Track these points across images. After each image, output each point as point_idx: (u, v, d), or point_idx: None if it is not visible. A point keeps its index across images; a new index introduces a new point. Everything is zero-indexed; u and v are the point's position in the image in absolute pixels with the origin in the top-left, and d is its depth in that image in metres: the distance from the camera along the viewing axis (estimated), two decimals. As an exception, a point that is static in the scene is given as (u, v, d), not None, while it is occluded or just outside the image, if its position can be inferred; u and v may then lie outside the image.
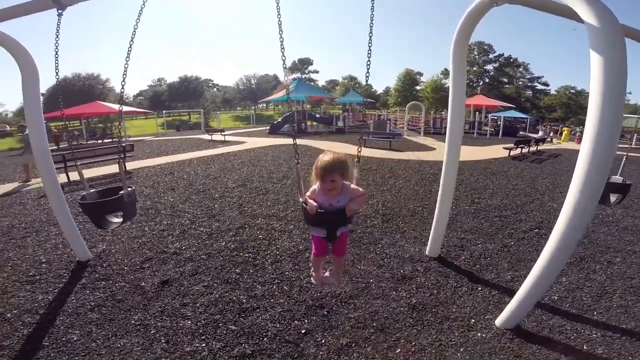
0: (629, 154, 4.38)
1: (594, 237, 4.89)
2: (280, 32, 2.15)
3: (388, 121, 24.41)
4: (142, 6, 2.41)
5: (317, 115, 27.22)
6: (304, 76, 65.43)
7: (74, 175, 7.98)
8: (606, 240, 4.80)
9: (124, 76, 2.49)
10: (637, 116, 5.60)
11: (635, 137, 23.81)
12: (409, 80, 57.80)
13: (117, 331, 2.70)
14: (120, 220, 2.82)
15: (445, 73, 48.93)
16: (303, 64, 71.22)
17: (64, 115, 3.06)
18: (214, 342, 2.58)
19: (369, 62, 2.20)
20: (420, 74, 60.70)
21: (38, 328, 2.73)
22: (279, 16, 2.12)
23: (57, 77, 2.67)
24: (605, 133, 2.09)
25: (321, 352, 2.52)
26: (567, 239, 2.37)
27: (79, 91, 36.43)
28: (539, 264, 2.56)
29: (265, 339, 2.64)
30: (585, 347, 2.65)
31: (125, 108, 23.82)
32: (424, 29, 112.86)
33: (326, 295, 3.24)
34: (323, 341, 2.64)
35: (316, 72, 74.25)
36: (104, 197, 2.83)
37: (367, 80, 2.30)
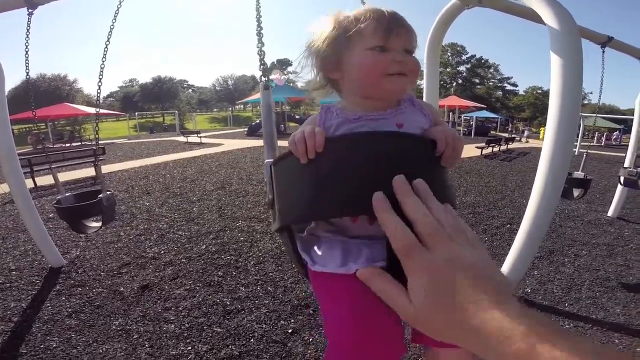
0: (589, 150, 4.70)
1: (561, 231, 5.20)
2: (259, 29, 1.61)
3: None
4: (119, 5, 2.35)
5: (297, 117, 27.22)
6: (282, 77, 65.28)
7: (40, 180, 7.61)
8: (572, 234, 5.11)
9: (100, 76, 2.42)
10: (596, 115, 5.99)
11: (596, 135, 25.47)
12: (384, 81, 58.85)
13: (98, 337, 2.61)
14: (98, 224, 2.74)
15: (420, 75, 50.18)
16: (282, 65, 70.99)
17: (35, 116, 2.92)
18: (199, 345, 2.55)
19: None
20: (395, 75, 61.98)
21: (13, 336, 2.60)
22: (258, 16, 1.88)
23: (28, 77, 2.56)
24: (564, 130, 2.26)
25: (309, 351, 2.54)
26: (534, 232, 2.53)
27: (44, 92, 34.61)
28: (510, 258, 2.72)
29: (252, 340, 2.64)
30: None
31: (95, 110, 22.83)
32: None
33: (311, 294, 3.27)
34: (310, 340, 2.66)
35: (295, 72, 74.11)
36: (80, 200, 2.73)
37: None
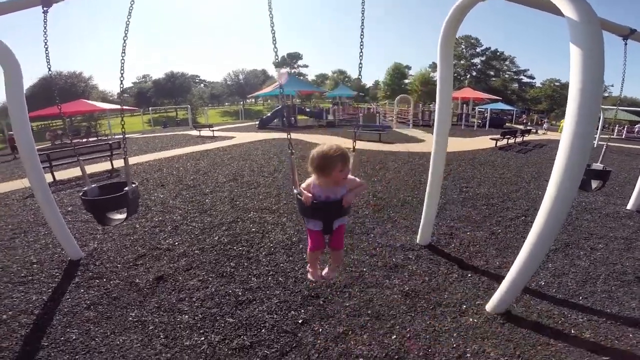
0: (609, 143, 4.54)
1: (577, 224, 5.06)
2: (272, 26, 2.19)
3: (377, 114, 24.49)
4: (132, 2, 2.37)
5: (307, 109, 27.14)
6: (293, 71, 65.00)
7: (59, 175, 7.84)
8: (589, 227, 4.98)
9: (122, 72, 2.46)
10: (617, 107, 5.82)
11: (616, 127, 24.56)
12: (398, 73, 57.97)
13: (115, 328, 2.70)
14: (123, 216, 2.78)
15: (434, 67, 49.15)
16: (292, 59, 70.65)
17: (61, 112, 2.99)
18: (212, 335, 2.61)
19: (361, 54, 2.17)
20: (409, 68, 60.88)
21: (35, 329, 2.71)
22: (270, 9, 2.14)
23: (50, 73, 2.65)
24: (584, 121, 2.19)
25: (319, 341, 2.58)
26: (550, 224, 2.47)
27: (61, 89, 35.43)
28: (525, 250, 2.66)
29: (263, 330, 2.69)
30: (572, 332, 2.75)
31: (111, 105, 23.31)
32: (413, 23, 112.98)
33: (321, 285, 3.29)
34: (320, 330, 2.70)
35: (306, 66, 73.74)
36: (105, 192, 2.78)
37: (360, 73, 2.22)
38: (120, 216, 2.85)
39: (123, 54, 2.45)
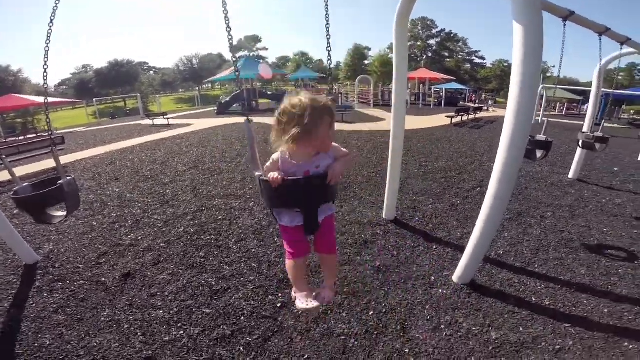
0: (550, 119, 4.95)
1: (527, 193, 5.53)
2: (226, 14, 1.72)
3: (340, 95, 24.54)
4: None
5: (269, 92, 26.52)
6: (252, 54, 62.54)
7: (-2, 175, 7.06)
8: (537, 196, 5.45)
9: (45, 59, 2.24)
10: (556, 87, 6.38)
11: (557, 105, 26.79)
12: (358, 55, 58.13)
13: (89, 330, 2.57)
14: (64, 213, 2.58)
15: (392, 48, 49.91)
16: (251, 42, 67.86)
17: None
18: (191, 328, 2.57)
19: (328, 36, 1.82)
20: (369, 49, 61.21)
21: (4, 338, 2.52)
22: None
23: None
24: (525, 92, 2.38)
25: (300, 323, 2.63)
26: (502, 191, 2.65)
27: (-17, 86, 31.37)
28: (480, 221, 2.83)
29: (242, 317, 2.68)
30: (533, 299, 2.93)
31: (49, 99, 21.08)
32: (373, 3, 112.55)
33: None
34: (300, 312, 2.74)
35: (265, 49, 71.30)
36: (39, 190, 2.55)
37: (329, 58, 1.84)
38: (60, 213, 2.65)
39: (48, 42, 2.23)
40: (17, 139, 16.90)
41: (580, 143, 5.22)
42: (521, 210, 4.83)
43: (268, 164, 1.49)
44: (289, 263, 1.52)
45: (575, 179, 6.37)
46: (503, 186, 2.63)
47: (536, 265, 3.49)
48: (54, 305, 2.86)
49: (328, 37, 1.82)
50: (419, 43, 59.31)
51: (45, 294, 3.03)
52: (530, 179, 6.27)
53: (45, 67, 2.32)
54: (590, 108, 6.35)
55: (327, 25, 1.84)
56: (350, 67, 56.44)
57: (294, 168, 1.43)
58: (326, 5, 1.90)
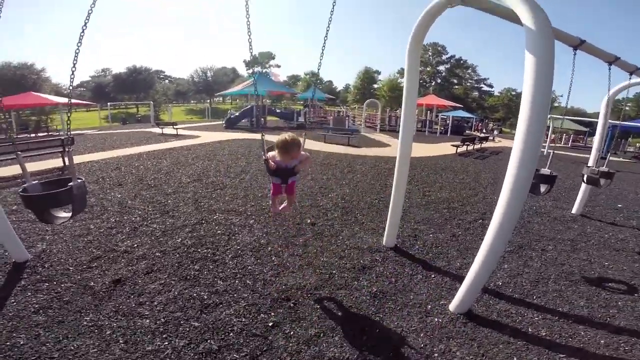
0: (556, 151, 4.95)
1: (529, 227, 5.46)
2: (248, 24, 2.81)
3: (347, 117, 24.80)
4: None
5: (278, 110, 26.90)
6: (265, 70, 64.11)
7: (1, 171, 7.13)
8: (539, 229, 5.38)
9: (74, 62, 2.26)
10: (564, 117, 6.32)
11: (563, 136, 26.79)
12: (368, 78, 59.22)
13: (69, 333, 2.50)
14: (68, 215, 2.57)
15: (402, 73, 50.76)
16: (264, 58, 69.69)
17: (2, 105, 2.69)
18: (177, 340, 2.49)
19: (322, 55, 3.02)
20: (379, 73, 62.42)
21: None
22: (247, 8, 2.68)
23: None
24: (533, 125, 2.36)
25: (290, 344, 2.54)
26: (505, 225, 2.61)
27: (9, 81, 32.21)
28: (482, 251, 2.79)
29: (231, 333, 2.61)
30: (530, 330, 2.90)
31: (62, 99, 21.58)
32: (384, 28, 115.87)
33: (291, 287, 3.27)
34: (292, 333, 2.67)
35: (278, 66, 73.10)
36: (48, 189, 2.54)
37: (317, 72, 3.19)
38: (65, 214, 2.64)
39: (79, 44, 2.27)
40: (29, 135, 17.21)
41: (584, 178, 5.18)
42: (522, 243, 4.76)
43: (269, 154, 2.89)
44: (272, 197, 3.22)
45: (578, 214, 6.29)
46: (506, 219, 2.60)
47: (534, 297, 3.44)
48: (36, 306, 2.80)
49: (323, 47, 3.01)
50: (428, 69, 60.21)
51: (29, 293, 2.97)
52: (532, 212, 6.20)
53: (74, 69, 2.29)
54: (596, 140, 6.28)
55: (326, 37, 3.02)
56: (359, 90, 57.40)
57: (280, 162, 2.87)
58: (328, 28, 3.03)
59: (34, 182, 2.54)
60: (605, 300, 3.43)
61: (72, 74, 2.31)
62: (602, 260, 4.41)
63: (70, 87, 2.48)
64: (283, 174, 2.93)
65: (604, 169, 4.92)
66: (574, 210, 6.38)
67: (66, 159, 8.10)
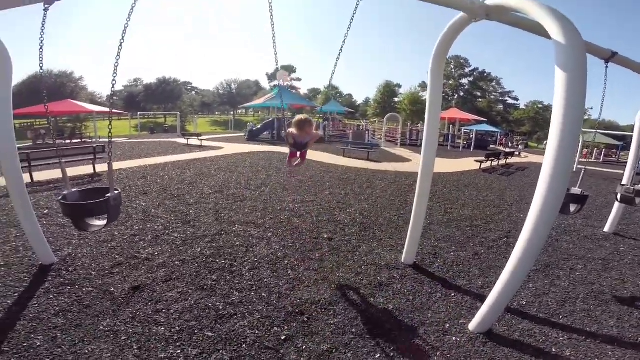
0: (587, 167, 4.72)
1: (557, 245, 5.18)
2: (274, 38, 3.18)
3: (367, 132, 24.71)
4: (134, 4, 2.35)
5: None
6: (286, 84, 65.51)
7: (37, 176, 7.57)
8: (568, 248, 5.10)
9: (114, 75, 2.39)
10: (596, 131, 6.02)
11: (595, 151, 25.55)
12: (389, 91, 59.07)
13: (85, 337, 2.56)
14: (102, 223, 2.65)
15: (423, 86, 50.48)
16: (286, 71, 71.14)
17: (48, 111, 2.87)
18: (189, 349, 2.50)
19: (334, 69, 3.35)
20: (399, 86, 62.07)
21: None
22: (271, 18, 3.00)
23: (42, 72, 2.51)
24: (565, 145, 2.24)
25: (302, 358, 2.50)
26: (532, 246, 2.51)
27: (49, 89, 34.63)
28: (507, 271, 2.69)
29: (244, 345, 2.60)
30: (553, 350, 2.77)
31: (98, 108, 22.86)
32: (405, 42, 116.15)
33: (306, 301, 3.23)
34: (304, 347, 2.63)
35: (299, 79, 74.41)
36: (86, 197, 2.65)
37: (330, 83, 3.79)
38: (99, 223, 2.73)
39: (117, 57, 2.40)
40: (64, 142, 18.22)
41: (618, 197, 4.90)
42: (550, 262, 4.53)
43: (289, 130, 3.48)
44: (288, 158, 3.90)
45: (611, 232, 5.93)
46: (534, 241, 2.49)
47: (560, 317, 3.27)
48: (57, 308, 2.90)
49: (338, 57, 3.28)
50: (451, 82, 59.09)
51: (52, 296, 3.09)
52: (561, 231, 5.89)
53: (114, 82, 2.42)
54: (631, 157, 5.95)
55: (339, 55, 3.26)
56: (379, 104, 57.24)
57: (296, 137, 3.45)
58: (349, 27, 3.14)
59: (73, 190, 2.65)
60: (637, 320, 3.24)
61: (113, 87, 2.44)
62: (637, 279, 4.17)
63: (111, 101, 2.63)
64: (298, 145, 3.56)
65: (639, 187, 4.63)
66: (606, 229, 6.02)
67: (101, 167, 8.54)
